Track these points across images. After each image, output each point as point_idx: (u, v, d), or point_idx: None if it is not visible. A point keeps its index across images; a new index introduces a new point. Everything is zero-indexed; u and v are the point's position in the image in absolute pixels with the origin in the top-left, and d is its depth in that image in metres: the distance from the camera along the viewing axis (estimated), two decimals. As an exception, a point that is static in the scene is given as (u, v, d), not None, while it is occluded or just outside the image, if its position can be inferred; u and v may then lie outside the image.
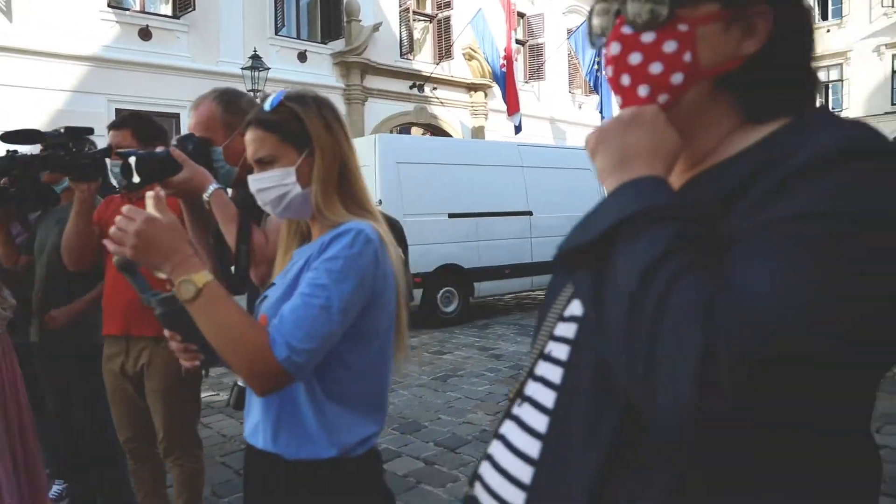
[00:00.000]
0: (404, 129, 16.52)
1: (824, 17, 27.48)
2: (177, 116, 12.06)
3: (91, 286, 3.11)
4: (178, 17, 12.52)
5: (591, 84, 17.49)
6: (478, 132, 17.47)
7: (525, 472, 0.83)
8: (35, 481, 2.72)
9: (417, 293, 9.21)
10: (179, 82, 11.98)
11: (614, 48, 0.81)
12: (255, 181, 1.45)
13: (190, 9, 12.43)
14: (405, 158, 9.45)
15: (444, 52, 16.72)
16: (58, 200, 2.97)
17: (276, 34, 13.94)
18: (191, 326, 1.27)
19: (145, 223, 1.25)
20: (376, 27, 15.16)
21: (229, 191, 1.94)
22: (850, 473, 0.73)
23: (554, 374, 0.86)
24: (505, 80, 15.85)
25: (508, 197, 10.44)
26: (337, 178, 1.43)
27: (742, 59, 0.80)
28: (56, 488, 3.49)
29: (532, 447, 0.84)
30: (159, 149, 1.87)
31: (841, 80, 27.84)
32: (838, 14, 27.32)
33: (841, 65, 27.81)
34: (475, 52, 16.86)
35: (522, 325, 9.39)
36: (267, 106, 1.43)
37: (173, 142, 1.88)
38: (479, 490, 0.91)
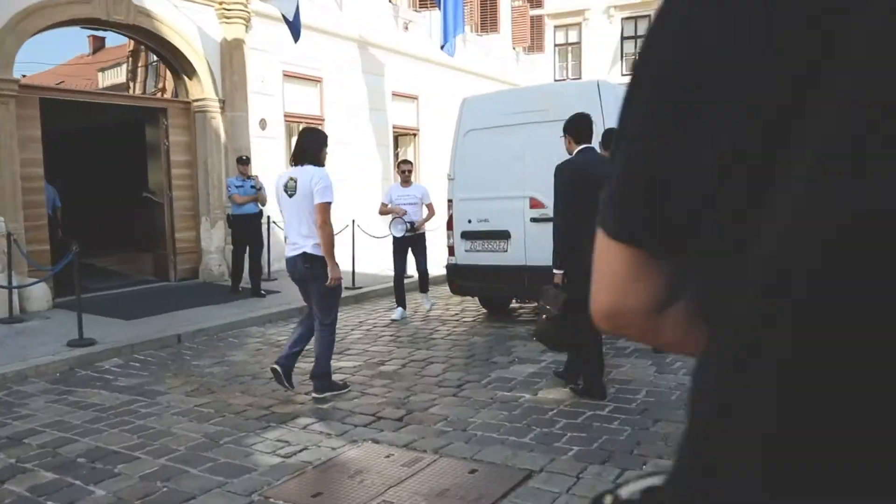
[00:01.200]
0: (72, 31, 9.73)
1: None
2: None
3: None
4: None
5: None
6: (233, 48, 11.05)
7: None
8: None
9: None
10: None
11: None
12: None
13: None
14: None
15: None
16: None
17: None
18: None
19: None
20: None
21: None
22: None
23: None
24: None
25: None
26: None
27: None
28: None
29: None
30: None
31: (579, 44, 25.79)
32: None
33: (580, 25, 25.87)
34: None
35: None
36: None
37: None
38: None
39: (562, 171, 4.96)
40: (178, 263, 10.80)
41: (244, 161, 9.55)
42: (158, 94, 11.08)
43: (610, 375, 5.38)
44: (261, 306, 8.93)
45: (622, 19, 27.84)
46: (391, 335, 7.45)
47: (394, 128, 15.10)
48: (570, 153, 5.08)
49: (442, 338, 7.22)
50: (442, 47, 13.82)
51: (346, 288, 10.16)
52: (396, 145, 15.72)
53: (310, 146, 5.00)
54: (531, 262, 7.24)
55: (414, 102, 15.79)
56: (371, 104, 14.27)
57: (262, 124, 11.77)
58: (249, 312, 8.55)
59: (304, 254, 4.91)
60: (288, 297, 9.40)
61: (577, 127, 5.05)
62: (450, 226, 7.96)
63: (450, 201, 7.98)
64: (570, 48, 28.93)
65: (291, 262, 5.01)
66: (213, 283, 10.69)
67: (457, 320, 8.15)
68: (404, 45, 15.22)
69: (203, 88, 10.82)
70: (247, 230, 9.40)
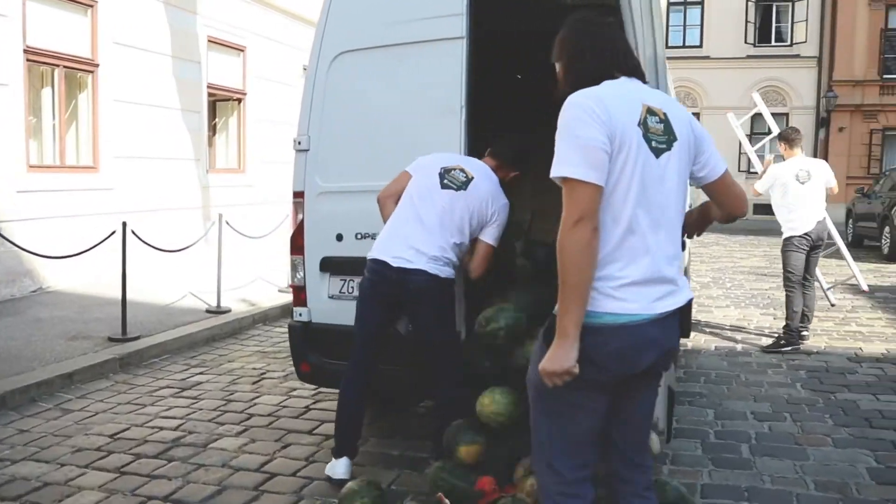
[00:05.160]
0: None
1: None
2: None
3: None
4: None
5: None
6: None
7: None
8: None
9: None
10: None
11: None
12: None
13: None
14: None
15: None
16: None
17: None
18: None
19: None
20: None
21: None
22: None
23: None
24: None
25: None
26: None
27: None
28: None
29: None
30: None
31: (701, 3, 24.26)
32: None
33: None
34: None
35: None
36: None
37: None
38: None
39: None
40: None
41: None
42: None
43: None
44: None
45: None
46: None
47: (209, 88, 10.90)
48: None
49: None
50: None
51: (110, 339, 6.10)
52: (213, 114, 11.53)
53: None
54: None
55: (240, 56, 11.68)
56: (175, 51, 10.01)
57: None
58: None
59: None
60: None
61: None
62: (296, 244, 3.89)
63: (297, 196, 3.90)
64: None
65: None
66: None
67: (313, 445, 4.03)
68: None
69: None
70: None
